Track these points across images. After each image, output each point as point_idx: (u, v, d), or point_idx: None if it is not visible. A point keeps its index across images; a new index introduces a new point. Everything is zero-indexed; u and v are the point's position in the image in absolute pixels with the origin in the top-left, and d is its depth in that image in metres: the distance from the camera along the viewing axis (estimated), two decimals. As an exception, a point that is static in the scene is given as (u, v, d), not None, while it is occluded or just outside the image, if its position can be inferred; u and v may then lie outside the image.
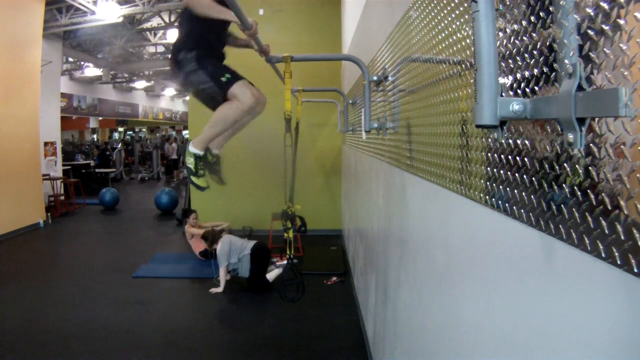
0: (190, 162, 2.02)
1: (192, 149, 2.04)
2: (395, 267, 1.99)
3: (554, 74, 0.65)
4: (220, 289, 4.33)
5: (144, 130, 25.44)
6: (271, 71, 2.66)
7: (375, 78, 2.27)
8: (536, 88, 0.70)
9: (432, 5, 1.29)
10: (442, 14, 1.21)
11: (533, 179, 0.71)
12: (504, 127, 0.64)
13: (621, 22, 0.50)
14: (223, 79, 1.92)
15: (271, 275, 4.38)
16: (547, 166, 0.67)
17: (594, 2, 0.55)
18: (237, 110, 1.92)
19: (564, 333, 0.63)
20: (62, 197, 8.74)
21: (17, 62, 6.97)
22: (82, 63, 14.54)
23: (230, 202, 6.44)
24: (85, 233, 7.15)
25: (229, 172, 6.46)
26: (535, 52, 0.71)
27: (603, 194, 0.54)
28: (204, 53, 1.98)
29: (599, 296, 0.56)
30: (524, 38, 0.74)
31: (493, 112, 0.60)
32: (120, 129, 23.68)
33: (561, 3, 0.61)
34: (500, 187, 0.83)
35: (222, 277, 4.35)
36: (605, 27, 0.53)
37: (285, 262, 4.39)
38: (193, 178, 2.04)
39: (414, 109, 1.58)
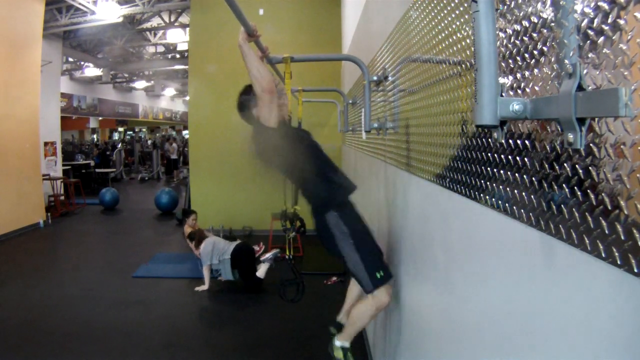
0: (339, 354, 1.99)
1: (338, 343, 2.01)
2: (395, 267, 1.99)
3: (554, 74, 0.65)
4: (205, 287, 4.40)
5: (144, 130, 25.44)
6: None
7: (375, 78, 2.27)
8: (536, 88, 0.70)
9: (432, 5, 1.29)
10: (442, 14, 1.21)
11: (533, 179, 0.71)
12: (504, 127, 0.64)
13: (621, 22, 0.50)
14: (378, 275, 1.80)
15: (261, 272, 4.38)
16: (547, 166, 0.67)
17: (594, 2, 0.55)
18: (372, 311, 1.85)
19: (564, 333, 0.63)
20: (62, 197, 8.74)
21: (17, 62, 6.97)
22: (82, 63, 14.55)
23: (230, 202, 6.44)
24: (85, 233, 7.16)
25: (229, 172, 6.48)
26: (535, 52, 0.71)
27: (603, 194, 0.54)
28: (347, 217, 1.85)
29: (599, 296, 0.56)
30: (524, 38, 0.74)
31: (493, 112, 0.60)
32: (120, 129, 23.68)
33: (561, 3, 0.61)
34: (500, 187, 0.83)
35: (206, 275, 4.43)
36: (605, 27, 0.53)
37: (269, 254, 4.39)
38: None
39: (414, 109, 1.58)
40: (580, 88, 0.52)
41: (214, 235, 4.97)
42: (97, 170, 13.14)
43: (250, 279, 4.37)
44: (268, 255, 4.42)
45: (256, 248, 4.70)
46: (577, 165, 0.60)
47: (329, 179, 1.90)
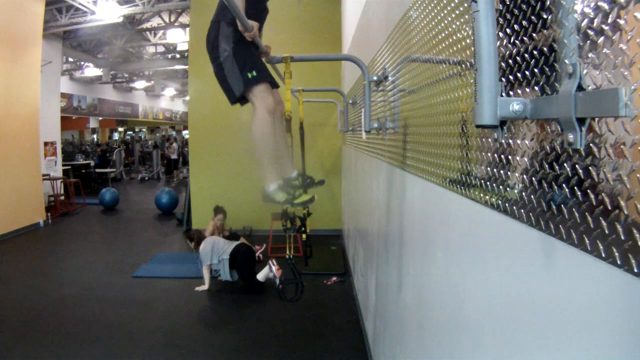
0: (280, 196, 1.88)
1: (271, 187, 1.90)
2: (395, 267, 1.99)
3: (554, 74, 0.65)
4: (205, 287, 4.40)
5: (144, 130, 25.43)
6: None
7: (375, 78, 2.27)
8: (536, 88, 0.70)
9: (432, 5, 1.29)
10: (442, 14, 1.21)
11: (533, 179, 0.71)
12: (504, 127, 0.64)
13: (621, 22, 0.50)
14: (249, 75, 1.79)
15: (261, 275, 4.37)
16: (547, 166, 0.67)
17: (594, 2, 0.55)
18: (263, 121, 1.80)
19: (564, 333, 0.63)
20: (62, 197, 8.74)
21: (17, 62, 6.97)
22: (82, 63, 14.55)
23: (231, 202, 6.43)
24: (85, 233, 7.16)
25: (230, 172, 6.49)
26: (535, 52, 0.71)
27: (603, 194, 0.54)
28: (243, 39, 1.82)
29: (599, 296, 0.56)
30: (524, 38, 0.74)
31: (493, 112, 0.60)
32: (120, 129, 23.68)
33: (561, 3, 0.61)
34: (500, 187, 0.83)
35: (205, 275, 4.43)
36: (605, 27, 0.53)
37: (272, 274, 4.23)
38: (297, 201, 1.90)
39: (414, 109, 1.58)
40: (580, 88, 0.52)
41: (215, 235, 4.97)
42: (98, 170, 13.13)
43: (250, 280, 4.37)
44: (273, 272, 4.33)
45: (256, 247, 4.69)
46: (577, 165, 0.60)
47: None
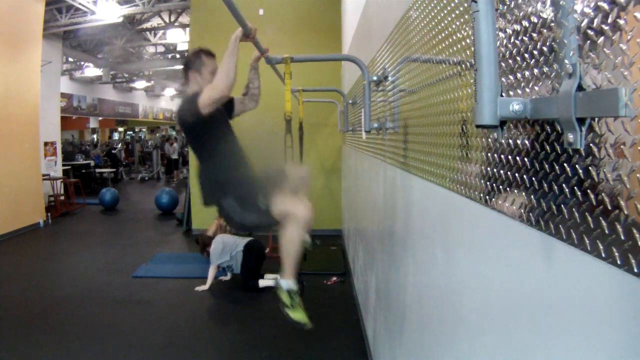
0: (284, 296, 1.91)
1: (283, 283, 1.92)
2: (395, 267, 1.99)
3: (554, 74, 0.65)
4: (205, 287, 4.39)
5: (144, 130, 25.43)
6: (271, 72, 2.66)
7: (375, 78, 2.27)
8: (536, 88, 0.70)
9: (432, 5, 1.29)
10: (442, 14, 1.21)
11: (533, 179, 0.71)
12: (504, 127, 0.64)
13: (621, 22, 0.50)
14: (262, 207, 1.81)
15: (263, 282, 4.37)
16: (547, 166, 0.67)
17: (594, 2, 0.55)
18: (299, 228, 1.82)
19: (564, 333, 0.63)
20: (62, 197, 8.74)
21: (17, 62, 6.97)
22: (82, 63, 14.55)
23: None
24: (85, 233, 7.15)
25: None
26: (535, 52, 0.71)
27: (603, 194, 0.54)
28: (233, 188, 1.89)
29: (599, 296, 0.56)
30: (524, 38, 0.74)
31: (493, 112, 0.60)
32: (120, 129, 23.68)
33: (561, 3, 0.61)
34: (500, 187, 0.83)
35: (210, 275, 4.42)
36: (605, 27, 0.53)
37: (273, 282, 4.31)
38: (288, 311, 1.91)
39: (414, 109, 1.58)
40: (580, 88, 0.52)
41: (221, 233, 4.92)
42: (102, 170, 13.15)
43: (248, 278, 4.37)
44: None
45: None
46: (577, 165, 0.60)
47: (225, 164, 1.92)
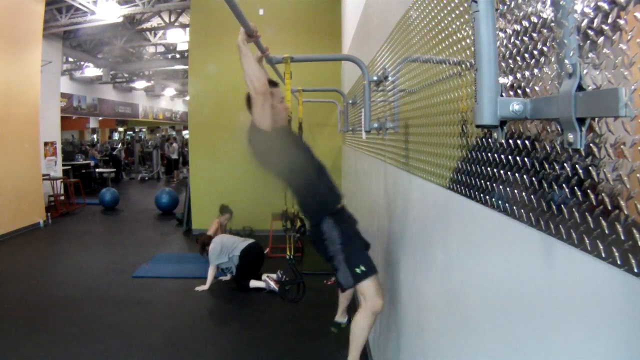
0: None
1: None
2: (395, 267, 1.99)
3: (554, 74, 0.65)
4: (205, 287, 4.39)
5: (144, 130, 25.43)
6: (271, 71, 2.66)
7: (375, 78, 2.27)
8: (536, 88, 0.70)
9: (432, 5, 1.29)
10: (442, 14, 1.21)
11: (533, 179, 0.71)
12: (504, 127, 0.64)
13: (621, 22, 0.50)
14: (358, 270, 1.85)
15: (254, 282, 4.37)
16: (547, 166, 0.67)
17: (594, 2, 0.55)
18: (370, 319, 1.88)
19: (564, 333, 0.63)
20: (62, 197, 8.74)
21: (17, 62, 6.97)
22: (82, 63, 14.55)
23: (231, 202, 6.43)
24: (85, 233, 7.15)
25: (230, 172, 6.48)
26: (535, 52, 0.71)
27: (603, 194, 0.54)
28: (342, 223, 1.92)
29: (599, 296, 0.56)
30: (524, 38, 0.74)
31: (493, 112, 0.60)
32: (120, 129, 23.68)
33: (561, 3, 0.61)
34: (500, 187, 0.83)
35: (210, 275, 4.43)
36: (605, 27, 0.53)
37: (272, 284, 4.30)
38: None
39: (414, 109, 1.58)
40: (580, 88, 0.52)
41: (222, 234, 4.92)
42: (104, 170, 13.16)
43: (242, 279, 4.38)
44: (271, 287, 4.31)
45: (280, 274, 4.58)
46: (577, 165, 0.60)
47: (321, 186, 1.96)
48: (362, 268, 1.85)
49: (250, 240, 4.57)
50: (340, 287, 1.94)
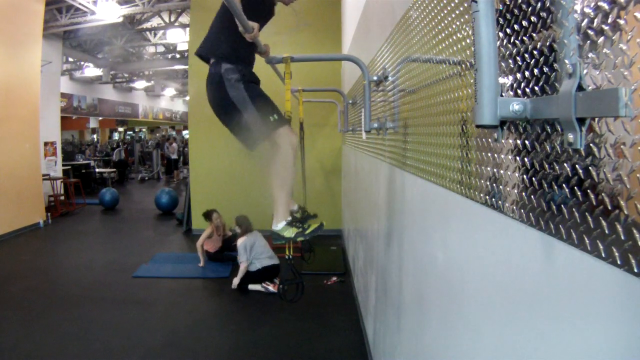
0: (290, 232, 1.88)
1: (280, 225, 1.89)
2: (395, 267, 1.99)
3: (554, 74, 0.65)
4: (234, 285, 4.41)
5: (144, 130, 25.44)
6: (271, 71, 2.66)
7: (375, 78, 2.27)
8: (536, 88, 0.70)
9: (432, 5, 1.29)
10: (442, 14, 1.21)
11: (533, 179, 0.71)
12: (504, 127, 0.64)
13: (621, 22, 0.50)
14: (271, 119, 1.81)
15: (252, 286, 4.38)
16: (547, 166, 0.67)
17: (594, 2, 0.55)
18: (290, 153, 1.82)
19: (564, 333, 0.63)
20: (62, 197, 8.74)
21: (17, 62, 6.97)
22: (82, 63, 14.55)
23: (231, 202, 6.43)
24: (85, 233, 7.15)
25: (230, 172, 6.48)
26: (535, 52, 0.71)
27: (603, 194, 0.54)
28: (248, 75, 1.85)
29: (599, 296, 0.56)
30: (524, 38, 0.74)
31: (493, 112, 0.60)
32: (120, 129, 23.68)
33: (561, 3, 0.61)
34: (500, 187, 0.83)
35: (240, 272, 4.41)
36: (605, 27, 0.53)
37: (270, 287, 4.34)
38: (307, 232, 1.89)
39: (414, 109, 1.58)
40: (580, 88, 0.52)
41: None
42: (104, 170, 13.17)
43: (243, 284, 4.40)
44: (269, 287, 4.34)
45: (275, 281, 4.48)
46: (577, 165, 0.60)
47: (240, 40, 1.78)
48: (275, 116, 1.81)
49: (276, 261, 4.51)
50: (248, 146, 1.87)
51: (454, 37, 1.10)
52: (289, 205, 1.91)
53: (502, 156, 0.82)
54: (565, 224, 0.62)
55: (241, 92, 1.81)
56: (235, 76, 1.80)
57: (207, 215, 5.52)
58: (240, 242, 4.47)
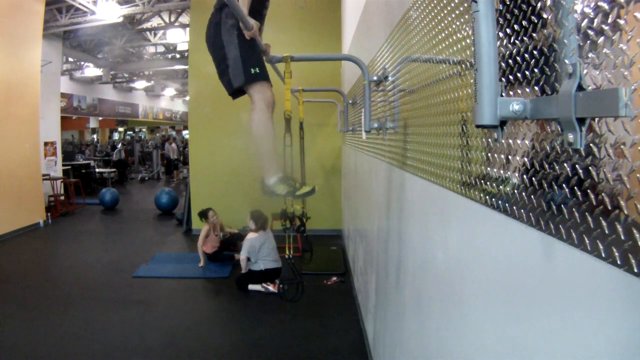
0: (282, 189, 1.87)
1: (271, 180, 1.88)
2: (395, 267, 1.99)
3: (554, 74, 0.65)
4: (243, 270, 4.45)
5: (144, 130, 25.44)
6: (271, 71, 2.66)
7: (375, 78, 2.27)
8: (536, 88, 0.70)
9: (432, 5, 1.29)
10: (442, 14, 1.21)
11: (533, 179, 0.71)
12: (504, 127, 0.64)
13: (621, 22, 0.50)
14: (252, 71, 1.80)
15: (252, 287, 4.38)
16: (547, 166, 0.67)
17: (594, 2, 0.55)
18: (267, 112, 1.81)
19: (564, 333, 0.63)
20: (62, 197, 8.73)
21: (17, 62, 6.97)
22: (82, 63, 14.55)
23: (231, 202, 6.44)
24: (85, 233, 7.15)
25: (230, 172, 6.48)
26: (535, 52, 0.71)
27: (603, 194, 0.54)
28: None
29: (599, 296, 0.56)
30: (524, 38, 0.74)
31: (493, 112, 0.60)
32: (120, 129, 23.68)
33: (561, 3, 0.61)
34: (500, 187, 0.83)
35: (243, 264, 4.44)
36: (605, 27, 0.53)
37: (270, 288, 4.35)
38: (299, 193, 1.90)
39: (414, 109, 1.58)
40: (580, 88, 0.52)
41: (270, 234, 4.75)
42: (104, 170, 13.16)
43: (243, 282, 4.40)
44: (269, 287, 4.35)
45: (276, 281, 4.45)
46: (577, 165, 0.60)
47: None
48: (257, 70, 1.80)
49: (279, 265, 4.48)
50: (227, 88, 1.86)
51: (454, 37, 1.10)
52: (276, 161, 1.90)
53: (502, 156, 0.82)
54: (565, 224, 0.62)
55: (233, 37, 1.81)
56: (232, 21, 1.80)
57: (203, 214, 5.52)
58: (250, 237, 4.44)
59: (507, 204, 0.80)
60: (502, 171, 0.83)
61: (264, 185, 1.91)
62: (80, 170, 11.59)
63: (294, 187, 1.89)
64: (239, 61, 1.80)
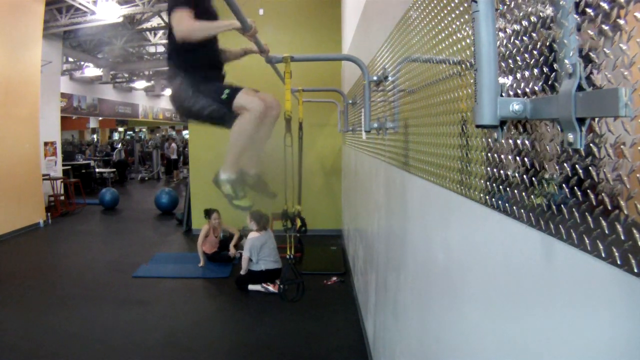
0: (226, 188, 1.93)
1: (223, 176, 1.94)
2: (395, 267, 1.99)
3: (554, 74, 0.65)
4: (242, 272, 4.44)
5: (144, 130, 25.43)
6: (271, 71, 2.66)
7: (375, 78, 2.27)
8: (536, 88, 0.70)
9: (432, 5, 1.29)
10: (442, 14, 1.21)
11: (533, 179, 0.71)
12: (504, 127, 0.64)
13: (621, 22, 0.50)
14: (224, 97, 1.87)
15: (252, 287, 4.38)
16: (547, 166, 0.67)
17: (594, 2, 0.55)
18: (250, 121, 1.86)
19: (564, 333, 0.63)
20: (62, 197, 8.73)
21: (17, 62, 6.97)
22: (82, 63, 14.54)
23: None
24: (85, 233, 7.15)
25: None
26: (535, 52, 0.71)
27: (603, 194, 0.54)
28: (195, 78, 1.93)
29: (599, 296, 0.56)
30: (524, 38, 0.74)
31: (493, 112, 0.60)
32: (120, 129, 23.67)
33: (561, 3, 0.61)
34: (500, 187, 0.83)
35: (244, 264, 4.43)
36: (605, 27, 0.53)
37: (270, 288, 4.36)
38: (235, 202, 1.95)
39: (414, 109, 1.58)
40: (580, 88, 0.52)
41: (271, 234, 4.74)
42: (104, 170, 13.16)
43: (243, 282, 4.40)
44: (269, 288, 4.35)
45: (276, 281, 4.43)
46: (577, 165, 0.60)
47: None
48: (227, 92, 1.87)
49: (280, 265, 4.47)
50: (227, 126, 1.93)
51: (454, 37, 1.10)
52: (237, 161, 1.96)
53: (502, 156, 0.82)
54: (565, 224, 0.62)
55: (193, 95, 1.91)
56: (179, 80, 1.92)
57: (208, 213, 5.51)
58: (251, 237, 4.43)
59: (507, 204, 0.80)
60: (502, 171, 0.83)
61: (216, 175, 1.97)
62: (80, 170, 11.58)
63: (236, 195, 1.94)
64: (212, 102, 1.89)
